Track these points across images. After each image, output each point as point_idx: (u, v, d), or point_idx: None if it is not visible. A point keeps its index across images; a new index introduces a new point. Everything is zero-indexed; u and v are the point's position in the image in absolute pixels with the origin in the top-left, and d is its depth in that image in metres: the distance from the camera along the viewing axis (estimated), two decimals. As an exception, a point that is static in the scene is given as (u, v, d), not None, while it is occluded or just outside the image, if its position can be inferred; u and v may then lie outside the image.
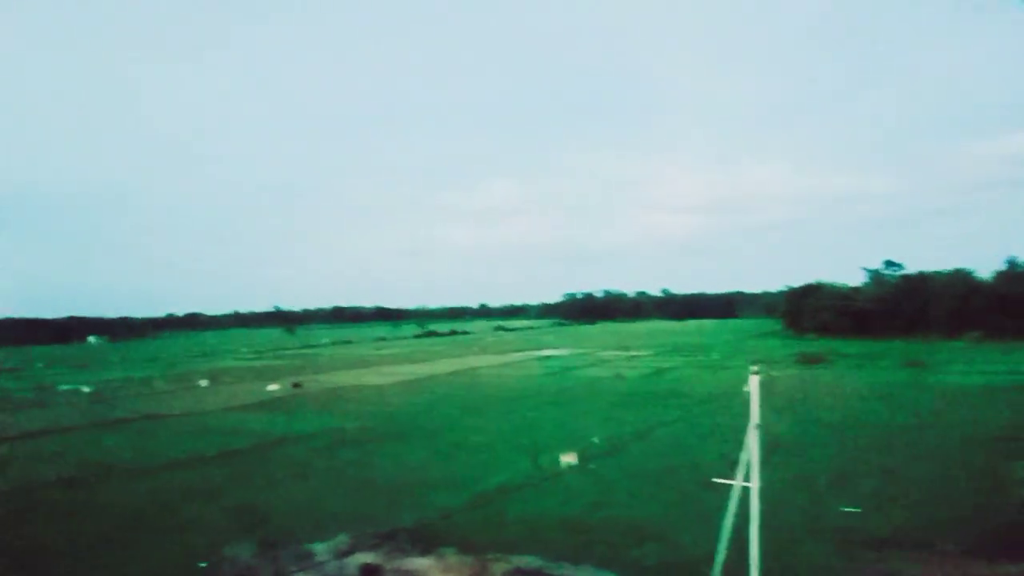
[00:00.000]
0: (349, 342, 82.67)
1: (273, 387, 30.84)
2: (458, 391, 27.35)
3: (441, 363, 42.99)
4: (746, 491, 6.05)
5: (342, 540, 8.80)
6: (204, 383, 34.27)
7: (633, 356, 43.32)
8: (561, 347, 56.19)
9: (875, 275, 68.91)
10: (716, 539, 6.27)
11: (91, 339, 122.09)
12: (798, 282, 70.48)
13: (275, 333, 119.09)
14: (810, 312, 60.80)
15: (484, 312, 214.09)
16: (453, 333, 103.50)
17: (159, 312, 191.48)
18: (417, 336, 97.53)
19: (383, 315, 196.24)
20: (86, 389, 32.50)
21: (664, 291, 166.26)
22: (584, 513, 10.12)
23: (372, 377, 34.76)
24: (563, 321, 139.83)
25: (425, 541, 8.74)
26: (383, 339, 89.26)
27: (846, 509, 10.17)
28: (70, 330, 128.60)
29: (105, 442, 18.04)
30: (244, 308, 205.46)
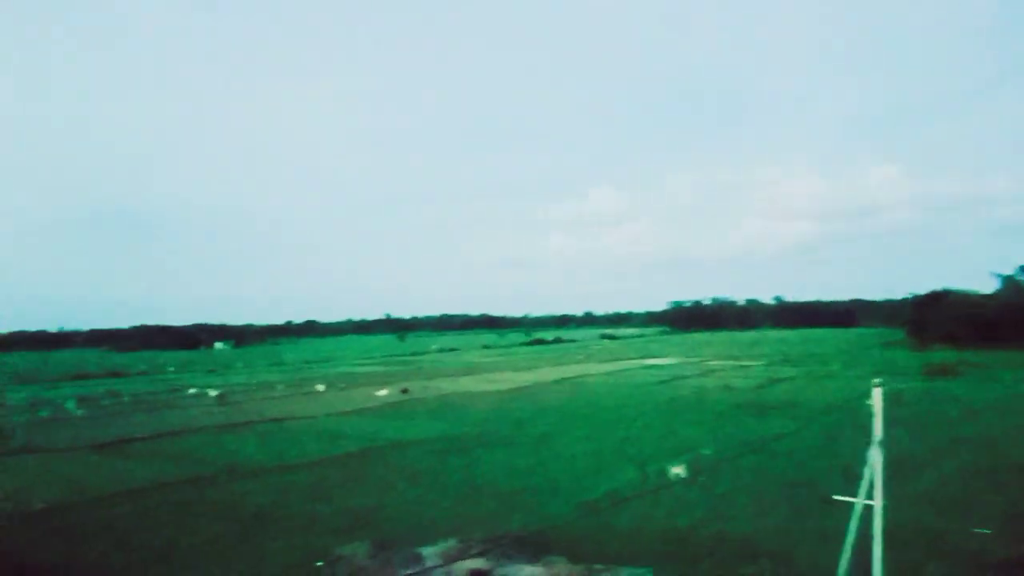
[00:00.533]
0: (456, 349, 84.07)
1: (382, 392, 31.71)
2: (564, 399, 27.29)
3: (547, 371, 43.06)
4: (868, 509, 5.75)
5: (451, 544, 8.93)
6: (321, 387, 35.65)
7: (744, 366, 42.04)
8: (668, 356, 55.18)
9: (1009, 281, 64.23)
10: (835, 559, 5.98)
11: (218, 345, 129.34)
12: (922, 289, 66.80)
13: (386, 339, 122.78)
14: (936, 321, 57.20)
15: (589, 320, 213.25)
16: (558, 341, 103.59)
17: (279, 320, 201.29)
18: (523, 344, 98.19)
19: (489, 323, 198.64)
20: (213, 392, 34.41)
21: (777, 299, 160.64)
22: (694, 526, 9.86)
23: (479, 384, 35.21)
24: (669, 329, 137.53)
25: (532, 548, 8.74)
26: (489, 347, 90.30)
27: (976, 530, 9.49)
28: (198, 336, 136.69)
29: (229, 443, 18.99)
30: (357, 316, 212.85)
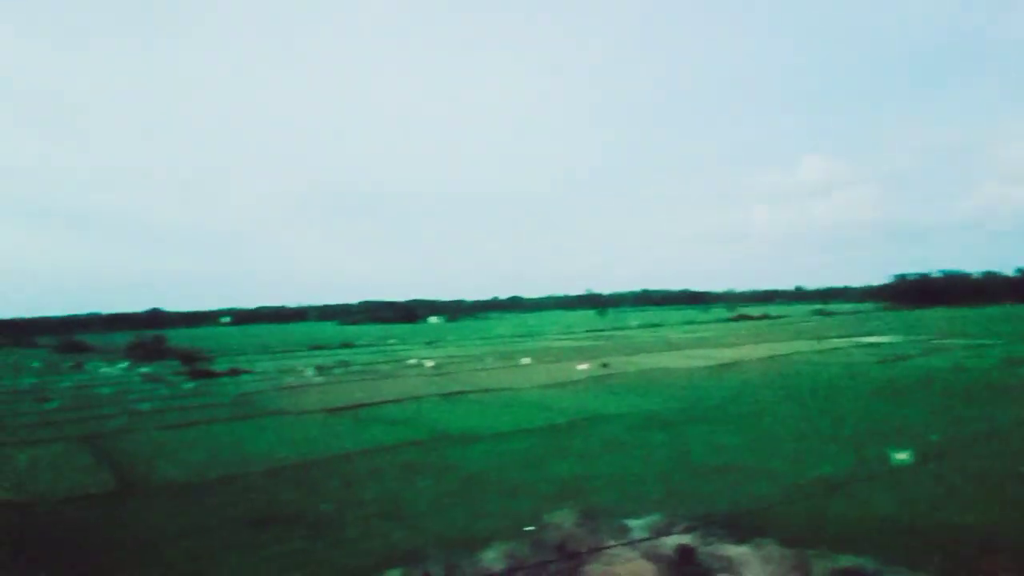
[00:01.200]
0: (657, 325, 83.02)
1: (583, 367, 32.08)
2: (771, 377, 26.08)
3: (752, 348, 41.33)
4: None
5: (657, 519, 8.90)
6: (526, 361, 36.79)
7: (979, 345, 37.78)
8: (889, 333, 50.83)
9: None
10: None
11: (432, 319, 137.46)
12: None
13: (587, 315, 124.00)
14: None
15: (799, 295, 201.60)
16: (765, 317, 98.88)
17: (486, 296, 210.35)
18: (726, 320, 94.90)
19: (690, 298, 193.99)
20: (429, 363, 36.67)
21: (1020, 270, 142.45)
22: (921, 516, 9.06)
23: (680, 360, 34.58)
24: (889, 305, 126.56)
25: (740, 529, 8.49)
26: (691, 322, 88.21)
27: None
28: (416, 310, 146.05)
29: (445, 410, 20.15)
30: (559, 292, 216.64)
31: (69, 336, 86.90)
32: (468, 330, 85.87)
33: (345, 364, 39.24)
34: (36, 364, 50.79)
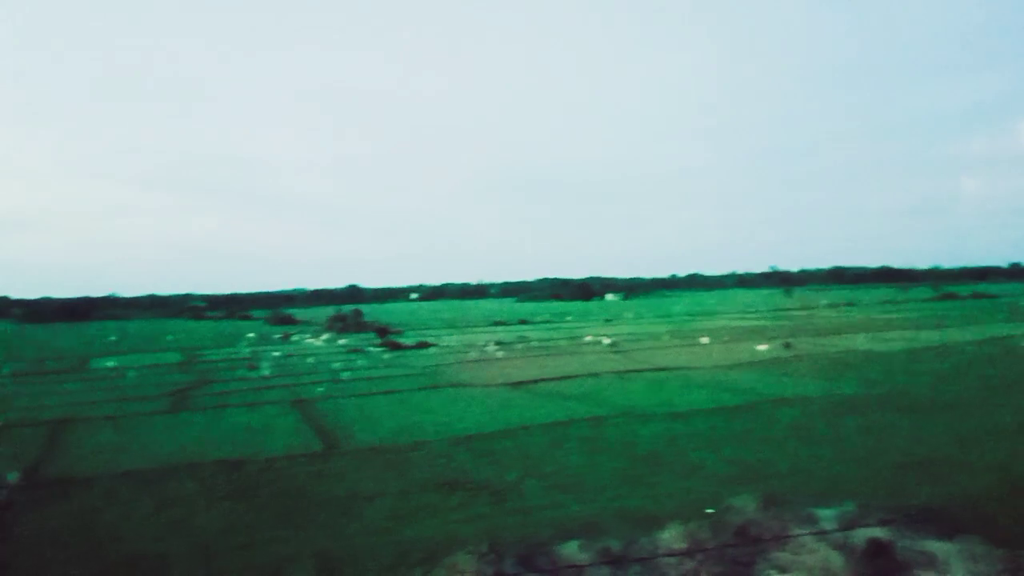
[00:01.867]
0: (849, 304, 77.68)
1: (763, 347, 30.73)
2: (983, 364, 23.57)
3: (959, 330, 37.58)
4: None
5: (848, 509, 8.40)
6: (704, 340, 35.84)
7: None
8: None
9: None
10: None
11: (609, 296, 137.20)
12: None
13: (770, 293, 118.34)
14: None
15: (1015, 272, 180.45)
16: (975, 296, 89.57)
17: (664, 273, 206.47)
18: (929, 299, 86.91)
19: (888, 276, 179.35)
20: (606, 341, 36.71)
21: None
22: None
23: (873, 342, 32.13)
24: None
25: (942, 524, 7.82)
26: (888, 302, 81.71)
27: None
28: (593, 288, 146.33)
29: (622, 388, 20.10)
30: (741, 269, 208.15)
31: (278, 309, 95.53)
32: (645, 308, 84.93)
33: (524, 340, 40.17)
34: (251, 335, 56.34)
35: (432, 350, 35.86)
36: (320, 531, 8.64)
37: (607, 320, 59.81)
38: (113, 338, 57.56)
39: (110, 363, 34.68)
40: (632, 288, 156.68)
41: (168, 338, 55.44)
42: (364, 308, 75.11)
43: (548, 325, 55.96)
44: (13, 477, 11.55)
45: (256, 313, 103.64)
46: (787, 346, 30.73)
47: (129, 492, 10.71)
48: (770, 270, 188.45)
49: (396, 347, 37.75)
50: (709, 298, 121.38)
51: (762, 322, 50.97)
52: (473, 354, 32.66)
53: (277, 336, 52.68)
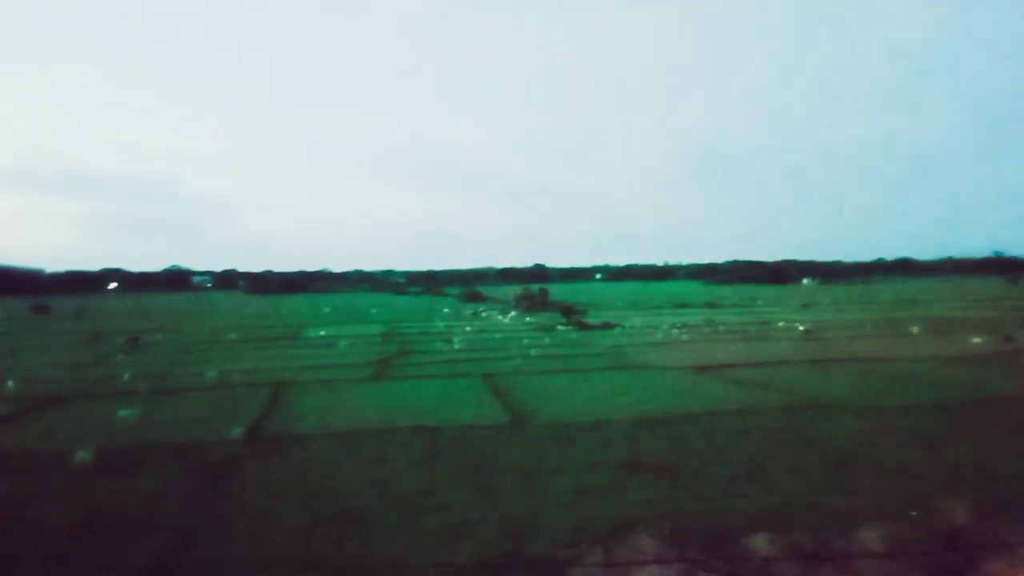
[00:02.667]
0: (1094, 295, 67.84)
1: (976, 340, 27.60)
2: None
3: None
4: None
5: (1082, 526, 7.42)
6: (915, 330, 32.89)
7: None
8: None
9: None
10: None
11: (804, 280, 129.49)
12: None
13: (992, 282, 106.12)
14: None
15: None
16: None
17: (868, 257, 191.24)
18: None
19: None
20: (800, 328, 34.75)
21: None
22: None
23: None
24: None
25: None
26: None
27: None
28: (786, 271, 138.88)
29: (815, 378, 18.98)
30: (958, 253, 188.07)
31: (470, 286, 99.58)
32: (844, 293, 79.32)
33: (711, 323, 39.03)
34: (445, 310, 59.22)
35: (617, 331, 35.81)
36: (506, 498, 8.98)
37: (803, 305, 56.54)
38: (326, 309, 62.86)
39: (321, 332, 37.95)
40: (831, 272, 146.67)
41: (372, 311, 59.67)
42: (550, 287, 76.40)
43: (737, 309, 53.91)
44: (238, 432, 12.95)
45: (450, 290, 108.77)
46: (1008, 339, 27.45)
47: (337, 451, 11.70)
48: (992, 255, 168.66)
49: (581, 326, 38.09)
50: (919, 285, 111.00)
51: (982, 312, 45.83)
52: (658, 336, 32.23)
53: (468, 312, 55.01)
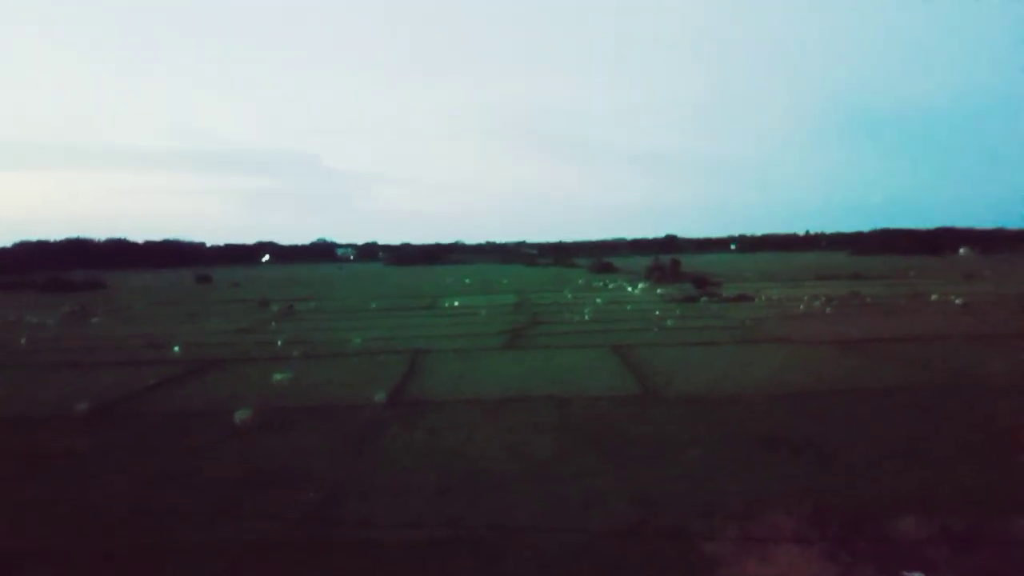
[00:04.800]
0: None
1: None
2: None
3: None
4: None
5: None
6: (1091, 305, 29.69)
7: None
8: None
9: None
10: None
11: (961, 250, 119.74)
12: None
13: None
14: None
15: None
16: None
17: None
18: None
19: None
20: (958, 301, 32.27)
21: None
22: None
23: None
24: None
25: None
26: None
27: None
28: (941, 241, 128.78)
29: (971, 354, 17.57)
30: None
31: (600, 258, 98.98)
32: (1008, 265, 72.67)
33: (856, 296, 36.92)
34: (578, 281, 59.26)
35: (753, 303, 34.59)
36: (637, 469, 8.97)
37: (960, 278, 52.36)
38: (461, 280, 64.49)
39: (456, 302, 39.01)
40: (993, 241, 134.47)
41: (503, 282, 60.64)
42: (682, 258, 74.69)
43: (885, 281, 50.63)
44: (381, 397, 13.61)
45: (580, 261, 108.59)
46: None
47: (471, 417, 12.07)
48: None
49: (715, 298, 37.09)
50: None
51: None
52: (798, 309, 30.86)
53: (598, 283, 54.80)
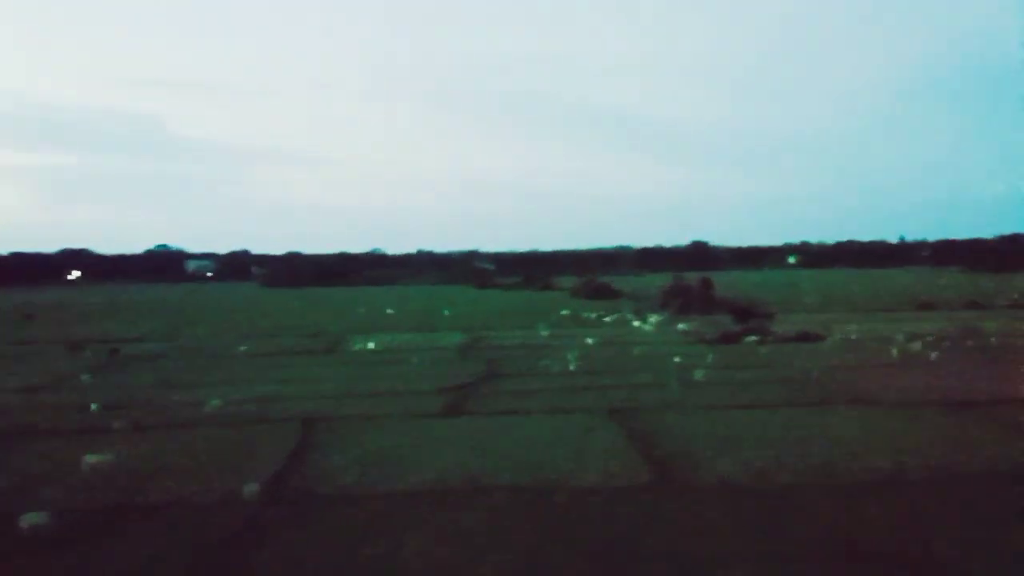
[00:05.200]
0: None
1: None
2: None
3: None
4: None
5: None
6: None
7: None
8: None
9: None
10: None
11: None
12: None
13: None
14: None
15: None
16: None
17: None
18: None
19: None
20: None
21: None
22: None
23: None
24: None
25: None
26: None
27: None
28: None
29: None
30: None
31: (591, 276, 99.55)
32: None
33: (977, 335, 37.61)
34: (559, 312, 59.47)
35: (821, 346, 35.02)
36: (652, 602, 8.97)
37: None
38: (379, 310, 64.18)
39: (371, 343, 38.84)
40: None
41: (445, 313, 60.53)
42: (715, 276, 75.45)
43: (1017, 313, 51.69)
44: (252, 489, 13.38)
45: (562, 281, 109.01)
46: None
47: (395, 521, 11.96)
48: None
49: (765, 338, 37.46)
50: None
51: None
52: (889, 354, 31.29)
53: (590, 315, 54.98)
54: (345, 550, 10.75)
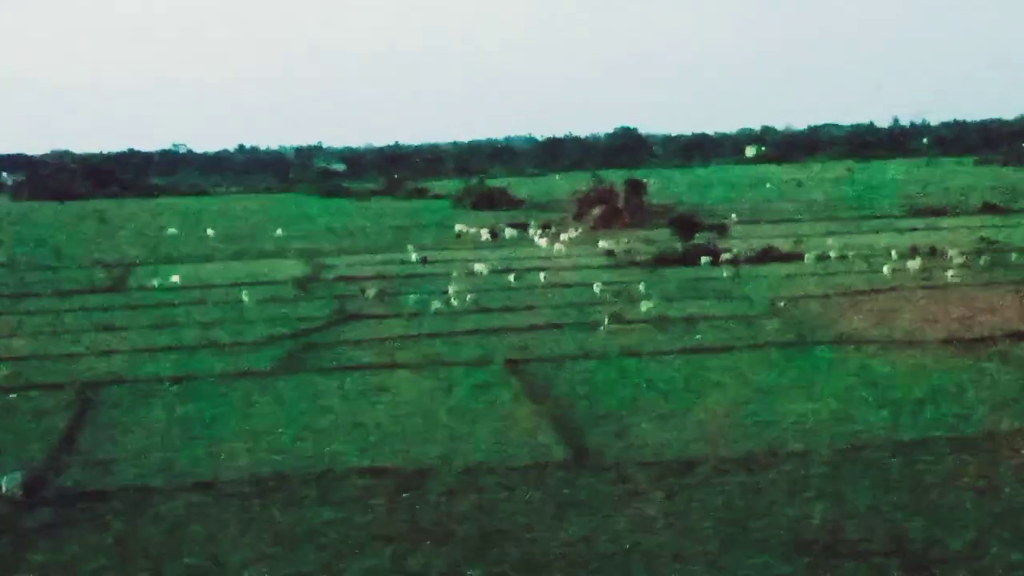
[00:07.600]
0: None
1: None
2: None
3: None
4: None
5: None
6: None
7: None
8: None
9: None
10: None
11: None
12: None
13: None
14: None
15: None
16: None
17: None
18: None
19: None
20: None
21: None
22: None
23: None
24: None
25: None
26: None
27: None
28: None
29: None
30: None
31: (480, 179, 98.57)
32: None
33: (991, 247, 38.24)
34: (441, 227, 58.40)
35: (793, 266, 35.31)
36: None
37: None
38: (172, 230, 62.32)
39: (173, 277, 37.62)
40: None
41: (276, 232, 58.90)
42: (649, 174, 75.11)
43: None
44: (12, 483, 12.93)
45: (440, 185, 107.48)
46: None
47: (208, 518, 11.72)
48: None
49: (714, 258, 37.60)
50: None
51: None
52: (881, 275, 31.68)
53: (480, 232, 53.84)
54: (117, 551, 10.47)
